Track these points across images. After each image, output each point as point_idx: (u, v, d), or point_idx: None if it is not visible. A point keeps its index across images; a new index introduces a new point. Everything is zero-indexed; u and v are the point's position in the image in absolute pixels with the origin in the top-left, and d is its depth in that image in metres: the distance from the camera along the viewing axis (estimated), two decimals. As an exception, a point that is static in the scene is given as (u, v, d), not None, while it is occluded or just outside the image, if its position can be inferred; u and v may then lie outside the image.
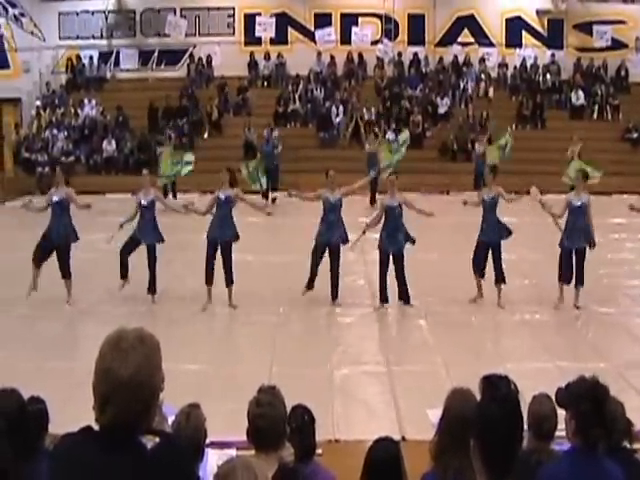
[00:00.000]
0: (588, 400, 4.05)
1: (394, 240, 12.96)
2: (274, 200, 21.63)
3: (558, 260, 13.19)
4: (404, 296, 13.18)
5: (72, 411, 5.23)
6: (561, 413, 4.32)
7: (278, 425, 4.29)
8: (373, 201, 22.15)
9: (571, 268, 13.10)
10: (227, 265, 13.11)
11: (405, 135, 23.76)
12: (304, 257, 15.25)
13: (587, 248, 13.02)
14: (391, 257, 13.01)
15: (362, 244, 17.29)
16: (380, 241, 13.11)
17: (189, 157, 22.74)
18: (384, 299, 13.06)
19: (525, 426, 4.83)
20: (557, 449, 4.96)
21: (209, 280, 13.11)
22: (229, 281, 13.17)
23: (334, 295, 13.36)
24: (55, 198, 13.50)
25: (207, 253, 13.10)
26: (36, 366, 10.29)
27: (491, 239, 13.30)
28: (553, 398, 4.60)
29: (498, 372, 3.44)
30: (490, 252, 13.27)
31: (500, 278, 13.29)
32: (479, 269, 13.34)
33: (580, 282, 13.07)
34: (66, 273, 13.35)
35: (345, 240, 13.44)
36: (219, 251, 13.11)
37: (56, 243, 13.35)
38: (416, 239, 13.06)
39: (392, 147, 23.06)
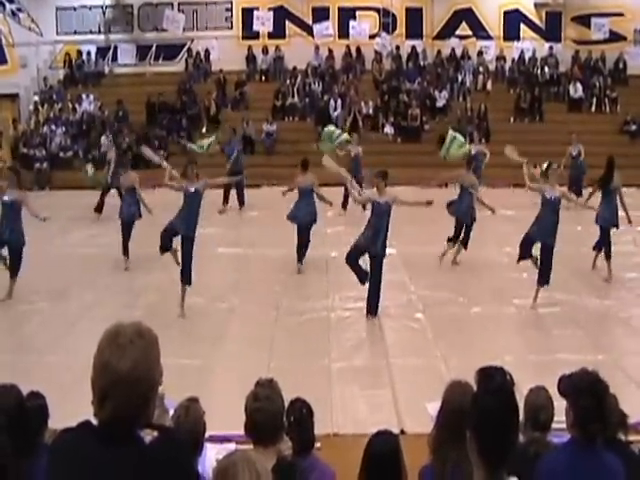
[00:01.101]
0: (588, 395, 4.07)
1: (372, 241, 12.35)
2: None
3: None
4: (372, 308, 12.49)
5: (71, 406, 5.23)
6: (562, 403, 4.32)
7: (276, 419, 4.30)
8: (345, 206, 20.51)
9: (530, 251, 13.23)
10: (186, 261, 12.58)
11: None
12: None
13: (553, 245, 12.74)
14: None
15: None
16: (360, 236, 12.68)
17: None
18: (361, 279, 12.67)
19: (522, 418, 4.85)
20: (555, 441, 4.97)
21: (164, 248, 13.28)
22: (185, 280, 12.59)
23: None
24: (5, 198, 13.18)
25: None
26: (35, 361, 10.32)
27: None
28: (555, 388, 4.61)
29: (495, 364, 3.45)
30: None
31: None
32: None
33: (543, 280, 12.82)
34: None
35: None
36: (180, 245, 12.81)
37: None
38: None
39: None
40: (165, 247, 13.17)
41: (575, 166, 22.13)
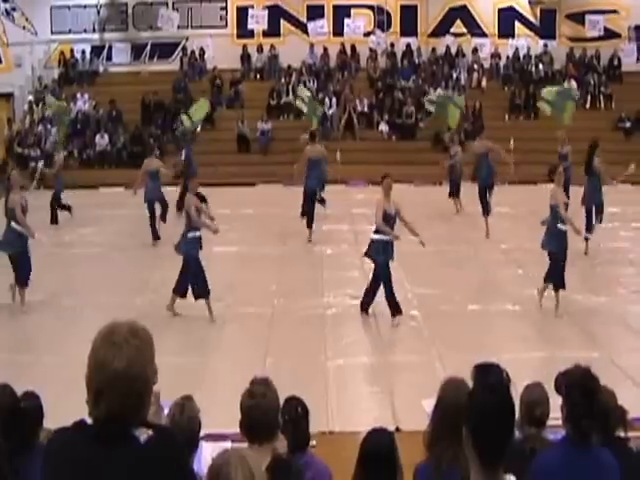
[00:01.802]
0: (577, 390, 4.09)
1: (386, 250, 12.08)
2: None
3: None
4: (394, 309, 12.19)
5: (66, 405, 5.22)
6: (558, 400, 4.34)
7: (271, 416, 4.30)
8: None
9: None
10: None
11: None
12: (296, 249, 15.30)
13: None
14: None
15: (357, 236, 17.37)
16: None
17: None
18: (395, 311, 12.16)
19: (518, 415, 4.86)
20: (551, 437, 4.98)
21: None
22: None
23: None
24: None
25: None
26: (30, 361, 10.31)
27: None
28: (551, 384, 4.62)
29: (491, 361, 3.45)
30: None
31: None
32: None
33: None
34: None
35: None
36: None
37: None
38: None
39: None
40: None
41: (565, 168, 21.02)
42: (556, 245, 12.27)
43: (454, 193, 20.11)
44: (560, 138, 19.98)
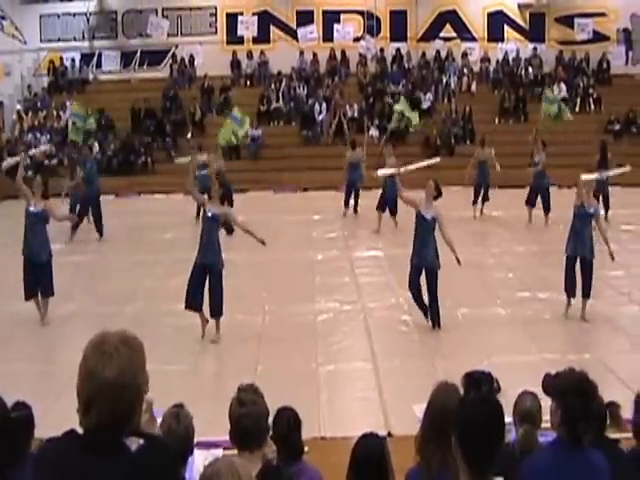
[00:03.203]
0: (576, 394, 4.09)
1: (423, 254, 11.81)
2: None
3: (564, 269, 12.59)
4: (434, 316, 12.04)
5: (57, 415, 5.23)
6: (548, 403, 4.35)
7: (262, 422, 4.31)
8: None
9: (574, 277, 12.45)
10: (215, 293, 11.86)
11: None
12: (287, 255, 15.27)
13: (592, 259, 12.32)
14: (423, 271, 11.90)
15: (347, 242, 17.39)
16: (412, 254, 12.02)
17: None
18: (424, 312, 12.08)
19: (510, 420, 4.88)
20: (541, 439, 5.00)
21: None
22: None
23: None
24: (32, 209, 12.52)
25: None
26: (20, 370, 10.28)
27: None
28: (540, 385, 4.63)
29: (482, 368, 3.47)
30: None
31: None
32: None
33: (586, 294, 12.28)
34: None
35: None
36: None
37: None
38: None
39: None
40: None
41: (537, 175, 19.49)
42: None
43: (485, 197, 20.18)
44: (534, 143, 19.90)
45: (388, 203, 18.30)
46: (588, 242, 12.28)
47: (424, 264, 11.82)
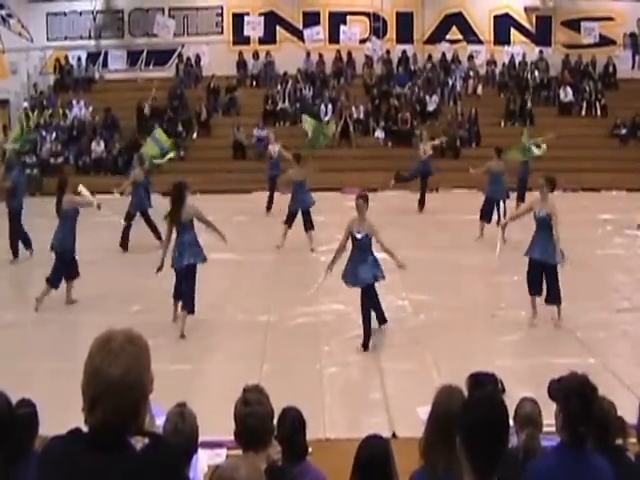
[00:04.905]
0: (576, 397, 4.10)
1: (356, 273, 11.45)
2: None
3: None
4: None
5: (62, 413, 5.22)
6: (553, 408, 4.35)
7: (267, 423, 4.30)
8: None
9: (539, 281, 12.21)
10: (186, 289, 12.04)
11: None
12: (291, 256, 15.25)
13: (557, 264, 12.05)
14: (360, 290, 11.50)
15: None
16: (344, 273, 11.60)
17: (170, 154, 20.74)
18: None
19: (512, 422, 4.87)
20: (545, 444, 4.99)
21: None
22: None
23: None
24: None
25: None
26: (25, 368, 10.28)
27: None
28: (545, 391, 4.62)
29: (486, 370, 3.46)
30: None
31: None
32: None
33: (553, 299, 12.16)
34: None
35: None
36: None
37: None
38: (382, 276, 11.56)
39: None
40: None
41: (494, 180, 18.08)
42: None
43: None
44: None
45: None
46: (548, 246, 12.00)
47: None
